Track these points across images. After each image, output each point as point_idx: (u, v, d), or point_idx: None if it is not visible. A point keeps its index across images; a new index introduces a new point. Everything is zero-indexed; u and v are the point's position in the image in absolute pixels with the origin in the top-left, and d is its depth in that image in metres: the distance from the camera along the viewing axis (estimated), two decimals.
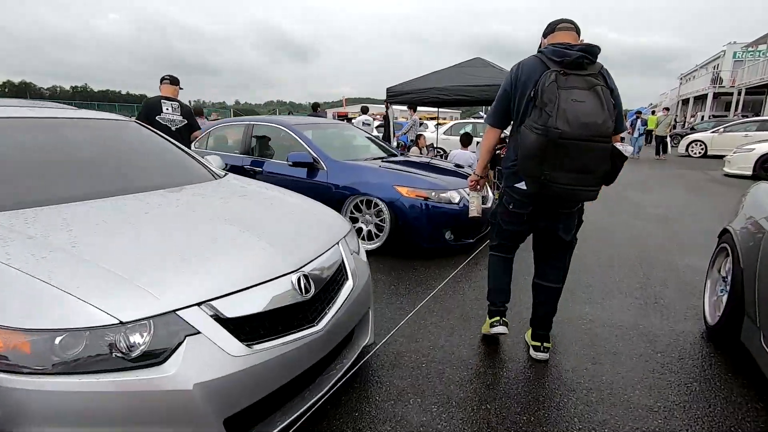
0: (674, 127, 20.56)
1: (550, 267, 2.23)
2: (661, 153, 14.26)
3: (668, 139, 14.92)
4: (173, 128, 4.18)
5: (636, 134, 15.19)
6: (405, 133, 9.97)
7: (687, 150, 15.57)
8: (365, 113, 10.61)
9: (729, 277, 2.35)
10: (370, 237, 4.06)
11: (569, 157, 1.79)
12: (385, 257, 3.88)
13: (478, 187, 2.44)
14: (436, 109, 11.03)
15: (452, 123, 13.67)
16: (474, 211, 2.48)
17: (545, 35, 2.09)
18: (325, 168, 4.22)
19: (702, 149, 15.24)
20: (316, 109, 10.49)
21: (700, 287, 3.18)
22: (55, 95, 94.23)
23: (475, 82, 6.73)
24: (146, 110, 4.17)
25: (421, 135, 8.58)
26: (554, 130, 1.76)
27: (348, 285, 1.92)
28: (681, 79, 40.38)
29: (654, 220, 5.51)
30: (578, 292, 3.15)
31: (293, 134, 4.51)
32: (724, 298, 2.39)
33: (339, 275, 1.91)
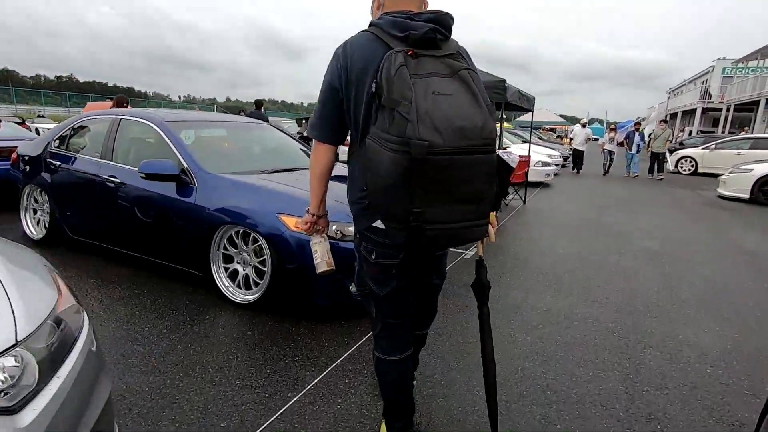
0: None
1: (421, 317, 1.72)
2: (656, 172, 12.41)
3: (663, 157, 13.23)
4: None
5: (635, 149, 12.58)
6: None
7: (676, 166, 14.72)
8: None
9: None
10: (248, 285, 2.86)
11: (448, 181, 1.20)
12: (260, 318, 2.67)
13: (319, 228, 1.64)
14: None
15: None
16: (322, 264, 1.64)
17: None
18: (196, 183, 3.00)
19: (692, 166, 14.41)
20: (259, 106, 9.06)
21: (714, 396, 2.05)
22: (39, 84, 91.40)
23: None
24: None
25: None
26: (419, 142, 1.13)
27: None
28: (669, 93, 40.00)
29: (643, 258, 4.40)
30: (527, 400, 1.98)
31: (162, 134, 3.28)
32: None
33: None
